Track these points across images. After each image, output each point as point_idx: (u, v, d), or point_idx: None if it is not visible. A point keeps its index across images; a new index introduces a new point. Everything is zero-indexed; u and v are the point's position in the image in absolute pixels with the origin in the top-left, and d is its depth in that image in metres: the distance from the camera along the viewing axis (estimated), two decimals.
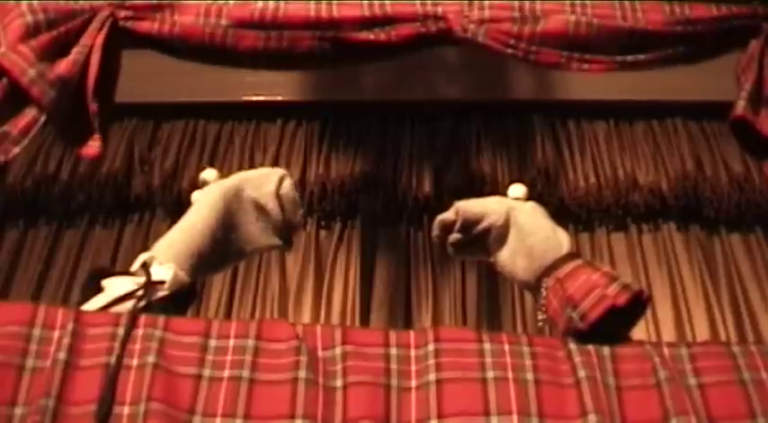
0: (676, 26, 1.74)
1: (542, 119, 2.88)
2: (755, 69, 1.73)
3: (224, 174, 1.55)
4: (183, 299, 1.36)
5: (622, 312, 1.30)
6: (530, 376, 1.21)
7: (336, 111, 2.92)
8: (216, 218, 1.43)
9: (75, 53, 1.69)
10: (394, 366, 1.22)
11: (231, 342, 1.22)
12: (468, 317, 2.59)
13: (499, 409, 1.16)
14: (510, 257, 1.48)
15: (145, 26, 1.76)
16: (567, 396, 1.20)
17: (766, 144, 1.71)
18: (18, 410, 1.12)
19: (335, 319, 2.56)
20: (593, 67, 1.76)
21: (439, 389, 1.18)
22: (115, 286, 1.30)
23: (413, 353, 1.24)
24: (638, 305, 1.33)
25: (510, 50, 1.74)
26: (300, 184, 2.72)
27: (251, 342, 1.22)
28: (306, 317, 2.58)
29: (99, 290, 1.31)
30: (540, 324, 1.42)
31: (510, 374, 1.21)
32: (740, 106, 1.69)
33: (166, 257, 1.35)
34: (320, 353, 1.23)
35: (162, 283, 1.31)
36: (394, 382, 1.20)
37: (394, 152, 2.81)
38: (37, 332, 1.20)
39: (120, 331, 1.20)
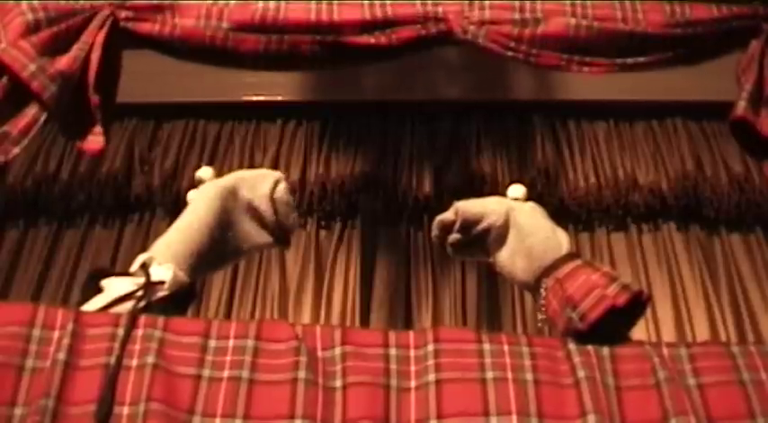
0: (676, 28, 1.75)
1: (542, 119, 2.88)
2: (756, 70, 1.73)
3: (224, 173, 1.55)
4: (182, 299, 1.36)
5: (622, 313, 1.31)
6: (529, 376, 1.22)
7: (336, 111, 2.92)
8: (213, 217, 1.43)
9: (76, 49, 1.69)
10: (393, 367, 1.23)
11: (231, 342, 1.23)
12: (468, 317, 2.59)
13: (498, 409, 1.17)
14: (509, 258, 1.48)
15: (145, 27, 1.76)
16: (567, 396, 1.20)
17: (766, 144, 1.71)
18: (18, 411, 1.12)
19: (335, 319, 2.56)
20: (593, 70, 1.76)
21: (438, 389, 1.19)
22: (115, 287, 1.31)
23: (412, 353, 1.25)
24: (637, 305, 1.34)
25: (510, 53, 1.74)
26: (300, 184, 2.72)
27: (250, 342, 1.22)
28: (306, 317, 2.58)
29: (98, 290, 1.32)
30: (540, 324, 1.42)
31: (509, 375, 1.21)
32: (740, 107, 1.69)
33: (165, 258, 1.36)
34: (320, 353, 1.23)
35: (161, 283, 1.31)
36: (393, 382, 1.21)
37: (394, 152, 2.81)
38: (37, 332, 1.20)
39: (120, 332, 1.20)
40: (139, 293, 1.28)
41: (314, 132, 2.88)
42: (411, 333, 1.28)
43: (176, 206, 2.62)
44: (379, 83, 2.87)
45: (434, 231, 1.56)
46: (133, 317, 1.22)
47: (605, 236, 2.78)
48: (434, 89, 2.89)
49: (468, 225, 1.50)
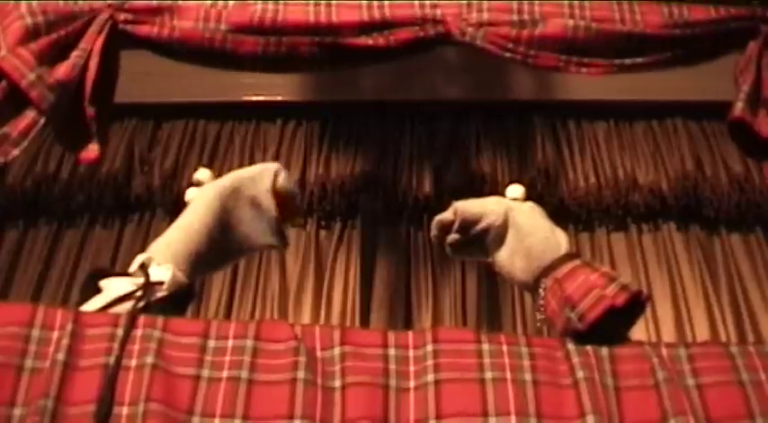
0: (674, 29, 1.75)
1: (542, 119, 2.88)
2: (753, 71, 1.73)
3: (224, 174, 1.55)
4: (181, 299, 1.36)
5: (621, 313, 1.30)
6: (528, 377, 1.21)
7: (336, 111, 2.92)
8: (212, 217, 1.43)
9: (75, 57, 1.69)
10: (392, 367, 1.22)
11: (230, 343, 1.23)
12: (468, 317, 2.59)
13: (497, 409, 1.16)
14: (508, 258, 1.48)
15: (144, 30, 1.76)
16: (566, 397, 1.20)
17: (764, 145, 1.71)
18: (17, 411, 1.12)
19: (335, 319, 2.56)
20: (592, 71, 1.76)
21: (437, 389, 1.19)
22: (114, 287, 1.31)
23: (411, 353, 1.25)
24: (636, 305, 1.33)
25: (508, 54, 1.74)
26: (300, 184, 2.72)
27: (250, 342, 1.22)
28: (306, 317, 2.58)
29: (98, 290, 1.32)
30: (539, 324, 1.42)
31: (508, 375, 1.21)
32: (738, 108, 1.69)
33: (164, 258, 1.36)
34: (319, 353, 1.23)
35: (160, 283, 1.31)
36: (392, 382, 1.21)
37: (394, 152, 2.81)
38: (36, 333, 1.20)
39: (119, 332, 1.20)
40: (138, 294, 1.28)
41: (314, 132, 2.88)
42: (410, 333, 1.28)
43: (176, 206, 2.61)
44: (378, 83, 2.87)
45: (433, 231, 1.56)
46: (132, 317, 1.22)
47: (605, 236, 2.78)
48: (434, 89, 2.89)
49: (467, 225, 1.50)
